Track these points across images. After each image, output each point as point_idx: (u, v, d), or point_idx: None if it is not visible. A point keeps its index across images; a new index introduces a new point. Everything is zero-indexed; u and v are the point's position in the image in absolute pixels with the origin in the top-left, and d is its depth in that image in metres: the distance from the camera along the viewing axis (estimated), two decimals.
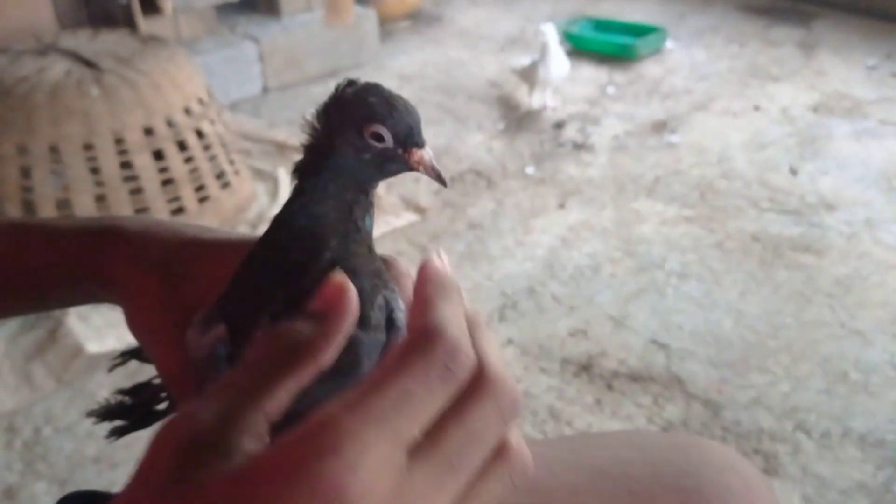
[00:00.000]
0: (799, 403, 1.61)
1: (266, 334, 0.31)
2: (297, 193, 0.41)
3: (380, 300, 0.41)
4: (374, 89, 0.41)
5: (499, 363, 0.31)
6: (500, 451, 0.30)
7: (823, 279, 1.97)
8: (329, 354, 0.31)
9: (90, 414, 0.53)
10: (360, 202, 0.41)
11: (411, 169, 0.40)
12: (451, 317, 0.31)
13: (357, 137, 0.40)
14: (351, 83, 0.42)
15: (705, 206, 2.31)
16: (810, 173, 2.45)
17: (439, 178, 0.41)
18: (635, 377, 1.69)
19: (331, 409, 0.27)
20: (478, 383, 0.30)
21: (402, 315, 0.41)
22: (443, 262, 0.35)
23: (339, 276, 0.33)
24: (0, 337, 1.83)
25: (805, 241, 2.12)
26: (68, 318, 1.82)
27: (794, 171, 2.47)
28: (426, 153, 0.40)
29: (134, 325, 0.48)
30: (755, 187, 2.39)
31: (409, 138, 0.40)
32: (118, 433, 0.53)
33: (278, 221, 0.41)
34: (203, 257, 0.48)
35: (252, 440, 0.28)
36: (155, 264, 0.47)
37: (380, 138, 0.40)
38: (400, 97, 0.41)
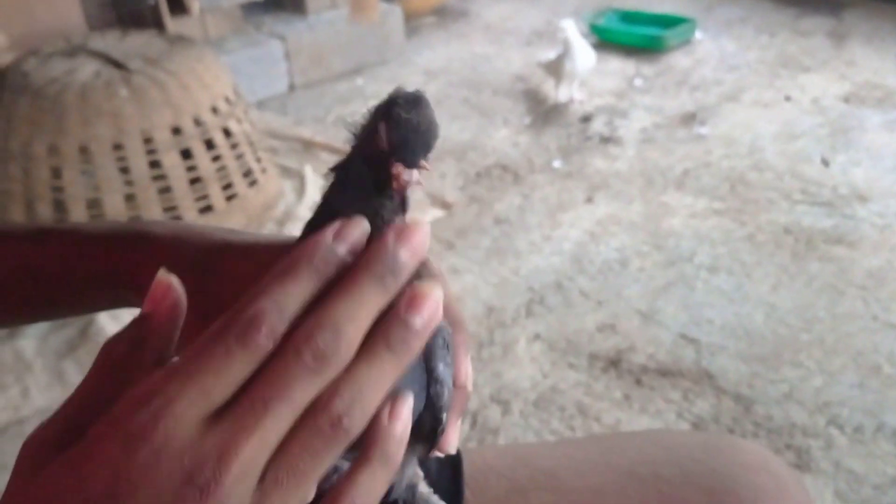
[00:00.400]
0: (832, 398, 1.58)
1: (102, 350, 0.34)
2: (324, 197, 0.41)
3: None
4: (409, 96, 0.40)
5: (315, 315, 0.32)
6: (313, 408, 0.31)
7: (856, 271, 1.94)
8: (155, 345, 0.33)
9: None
10: (385, 204, 0.40)
11: (389, 181, 0.39)
12: (275, 290, 0.32)
13: (369, 132, 0.40)
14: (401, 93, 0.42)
15: (736, 198, 2.28)
16: (842, 164, 2.41)
17: (403, 203, 0.40)
18: (664, 372, 1.68)
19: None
20: (289, 347, 0.31)
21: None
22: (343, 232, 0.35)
23: (163, 274, 0.35)
24: (32, 336, 1.86)
25: (838, 233, 2.09)
26: (99, 317, 1.85)
27: (825, 163, 2.43)
28: (408, 173, 0.39)
29: None
30: (786, 179, 2.36)
31: (400, 151, 0.39)
32: None
33: (311, 226, 0.41)
34: (233, 260, 0.48)
35: None
36: (186, 269, 0.47)
37: (380, 139, 0.39)
38: (427, 115, 0.40)
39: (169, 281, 0.34)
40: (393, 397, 0.34)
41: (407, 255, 0.34)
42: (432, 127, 0.40)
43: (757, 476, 0.58)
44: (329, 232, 0.34)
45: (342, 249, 0.33)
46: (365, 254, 0.34)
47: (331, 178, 0.42)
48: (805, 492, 0.61)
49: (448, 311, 0.41)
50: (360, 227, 0.34)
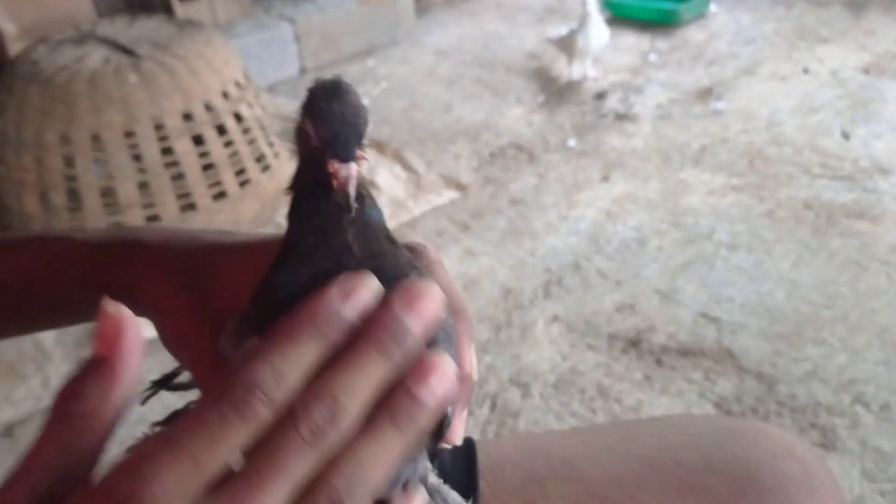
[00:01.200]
0: (856, 375, 1.56)
1: (58, 406, 0.31)
2: (291, 210, 0.39)
3: None
4: (326, 85, 0.37)
5: (314, 386, 0.30)
6: (313, 486, 0.30)
7: (879, 246, 1.91)
8: (112, 411, 0.30)
9: (153, 427, 0.53)
10: (345, 227, 0.37)
11: (328, 178, 0.36)
12: (274, 356, 0.30)
13: (301, 133, 0.38)
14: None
15: (754, 174, 2.25)
16: (863, 137, 2.37)
17: (347, 200, 0.36)
18: (685, 352, 1.66)
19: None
20: (287, 420, 0.30)
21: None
22: (351, 293, 0.32)
23: (108, 305, 0.31)
24: None
25: (859, 208, 2.05)
26: None
27: (846, 136, 2.39)
28: (345, 168, 0.36)
29: (165, 335, 0.47)
30: (806, 153, 2.32)
31: (331, 146, 0.36)
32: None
33: (288, 246, 0.39)
34: (226, 262, 0.47)
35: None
36: (179, 273, 0.46)
37: (308, 136, 0.37)
38: (351, 101, 0.37)
39: (120, 315, 0.31)
40: (406, 490, 0.33)
41: (415, 323, 0.31)
42: (359, 112, 0.37)
43: (782, 462, 0.57)
44: (335, 293, 0.32)
45: (350, 314, 0.31)
46: (369, 319, 0.31)
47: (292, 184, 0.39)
48: (832, 476, 0.59)
49: (450, 299, 0.39)
50: (369, 288, 0.32)
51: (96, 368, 0.31)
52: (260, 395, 0.29)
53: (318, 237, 0.37)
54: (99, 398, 0.30)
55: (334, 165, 0.36)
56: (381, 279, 0.34)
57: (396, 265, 0.37)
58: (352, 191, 0.36)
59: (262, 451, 0.29)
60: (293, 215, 0.39)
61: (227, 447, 0.29)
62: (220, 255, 0.47)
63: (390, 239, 0.39)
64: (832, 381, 1.55)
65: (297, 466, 0.29)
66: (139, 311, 0.48)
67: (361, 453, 0.30)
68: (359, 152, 0.36)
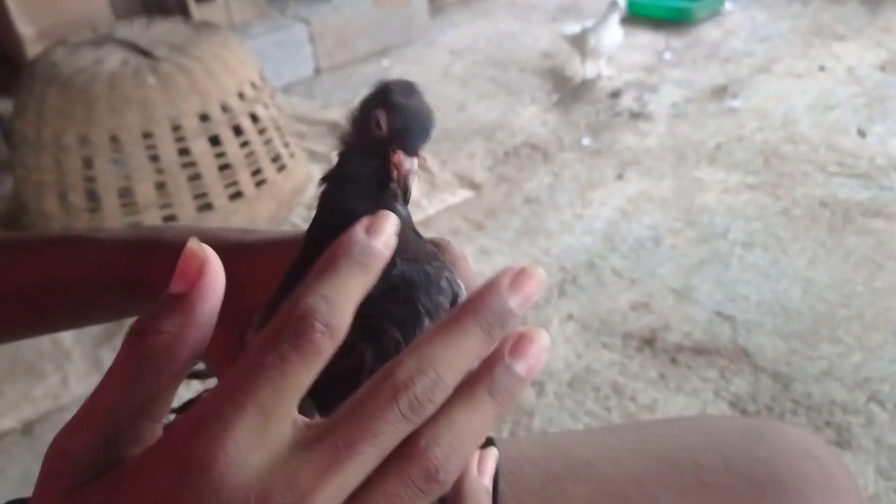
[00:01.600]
0: (872, 374, 1.55)
1: (129, 342, 0.29)
2: (324, 192, 0.41)
3: (444, 283, 0.39)
4: (403, 84, 0.40)
5: (417, 357, 0.29)
6: (406, 454, 0.28)
7: (895, 244, 1.90)
8: (189, 350, 0.29)
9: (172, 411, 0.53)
10: (386, 189, 0.39)
11: (389, 168, 0.38)
12: (320, 287, 0.29)
13: (366, 121, 0.39)
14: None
15: (770, 172, 2.24)
16: (879, 135, 2.36)
17: (405, 192, 0.38)
18: (700, 351, 1.66)
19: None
20: (383, 377, 0.29)
21: (465, 297, 0.40)
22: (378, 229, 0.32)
23: (193, 243, 0.30)
24: None
25: (875, 206, 2.04)
26: None
27: (862, 133, 2.37)
28: (408, 161, 0.38)
29: None
30: (822, 151, 2.31)
31: (401, 138, 0.38)
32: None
33: (315, 223, 0.41)
34: (248, 261, 0.47)
35: (136, 447, 0.28)
36: None
37: (379, 126, 0.38)
38: (424, 103, 0.39)
39: (203, 253, 0.30)
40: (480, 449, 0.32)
41: (518, 305, 0.31)
42: (430, 114, 0.39)
43: (801, 462, 0.57)
44: (360, 227, 0.31)
45: (378, 244, 0.31)
46: (475, 296, 0.31)
47: (330, 173, 0.41)
48: (850, 476, 0.59)
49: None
50: (390, 222, 0.32)
51: (173, 304, 0.29)
52: (318, 325, 0.28)
53: (350, 219, 0.37)
54: (175, 335, 0.29)
55: (399, 157, 0.38)
56: (405, 261, 0.36)
57: (420, 251, 0.39)
58: (412, 184, 0.38)
59: (351, 416, 0.28)
60: (321, 206, 0.40)
61: (293, 391, 0.28)
62: (243, 254, 0.48)
63: (416, 232, 0.40)
64: (847, 379, 1.55)
65: (389, 435, 0.28)
66: None
67: (460, 424, 0.29)
68: (421, 151, 0.39)
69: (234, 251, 0.48)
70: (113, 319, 0.57)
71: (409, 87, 0.39)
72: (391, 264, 0.35)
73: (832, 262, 1.87)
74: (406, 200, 0.39)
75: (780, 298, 1.77)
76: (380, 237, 0.32)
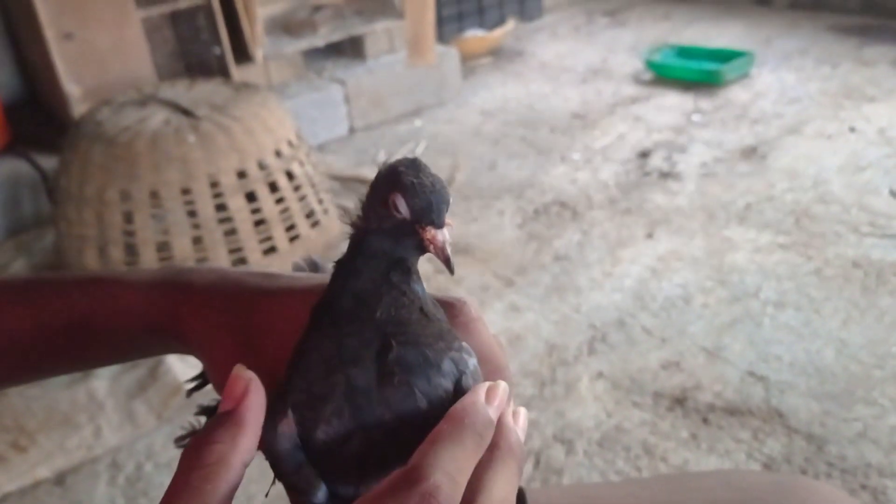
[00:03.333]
0: None
1: (190, 453, 0.33)
2: (335, 275, 0.42)
3: (446, 365, 0.39)
4: (407, 162, 0.40)
5: (433, 463, 0.33)
6: None
7: None
8: (241, 457, 0.33)
9: (178, 441, 0.54)
10: (397, 271, 0.40)
11: (423, 247, 0.39)
12: (445, 460, 0.33)
13: (380, 206, 0.40)
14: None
15: (801, 232, 2.24)
16: None
17: (447, 263, 0.39)
18: (732, 411, 1.64)
19: None
20: (410, 483, 0.33)
21: (470, 378, 0.40)
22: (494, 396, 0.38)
23: (239, 369, 0.36)
24: (104, 376, 1.91)
25: None
26: (168, 357, 1.89)
27: (894, 194, 2.37)
28: (440, 234, 0.39)
29: (213, 376, 0.49)
30: (854, 211, 2.30)
31: (427, 215, 0.39)
32: None
33: (323, 307, 0.41)
34: (270, 306, 0.47)
35: None
36: (224, 320, 0.48)
37: (398, 209, 0.39)
38: (433, 175, 0.40)
39: (248, 377, 0.36)
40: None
41: (494, 413, 0.37)
42: (443, 183, 0.40)
43: None
44: (481, 395, 0.37)
45: (494, 414, 0.37)
46: (463, 412, 0.36)
47: (345, 257, 0.42)
48: None
49: (489, 357, 0.42)
50: (504, 389, 0.38)
51: (225, 420, 0.34)
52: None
53: (355, 302, 0.40)
54: (229, 446, 0.33)
55: (431, 232, 0.39)
56: (399, 345, 0.38)
57: (423, 333, 0.40)
58: (449, 254, 0.39)
59: None
60: (335, 288, 0.42)
61: None
62: (264, 300, 0.48)
63: (423, 310, 0.41)
64: (883, 441, 1.52)
65: None
66: (186, 350, 0.51)
67: None
68: (448, 219, 0.40)
69: (255, 298, 0.48)
70: (137, 359, 0.59)
71: (415, 164, 0.40)
72: (388, 347, 0.38)
73: (866, 323, 1.85)
74: (451, 271, 0.40)
75: (813, 359, 1.75)
76: (496, 406, 0.37)
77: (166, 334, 0.50)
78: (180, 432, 0.48)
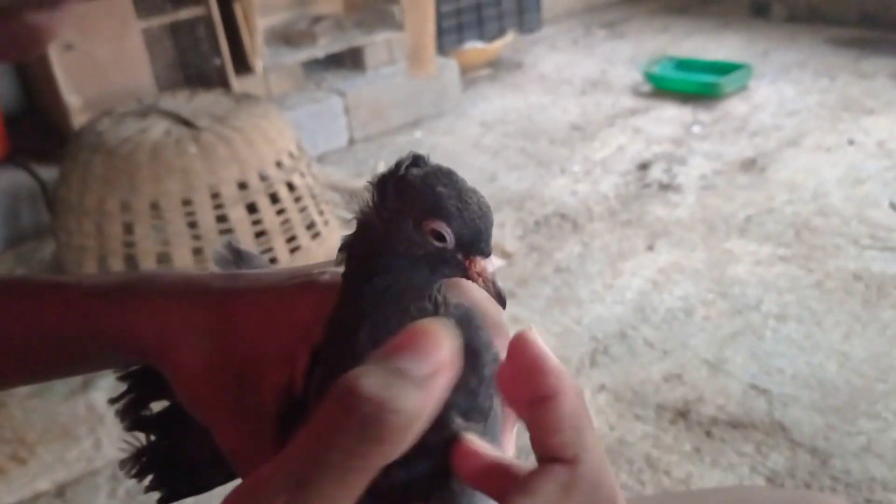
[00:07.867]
0: None
1: (329, 402, 0.25)
2: (349, 300, 0.36)
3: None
4: (446, 177, 0.34)
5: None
6: None
7: None
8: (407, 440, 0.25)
9: (122, 466, 0.49)
10: (422, 306, 0.35)
11: (468, 278, 0.34)
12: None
13: (414, 231, 0.34)
14: (417, 161, 0.36)
15: (801, 244, 2.24)
16: None
17: (499, 297, 0.35)
18: (735, 424, 1.64)
19: None
20: None
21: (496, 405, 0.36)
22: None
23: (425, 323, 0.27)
24: (102, 388, 1.90)
25: None
26: None
27: (894, 207, 2.37)
28: (490, 265, 0.34)
29: (181, 394, 0.44)
30: (854, 224, 2.31)
31: (475, 245, 0.34)
32: (165, 501, 0.50)
33: (338, 338, 0.36)
34: (239, 308, 0.44)
35: None
36: (189, 323, 0.44)
37: (440, 237, 0.33)
38: (475, 192, 0.35)
39: (455, 340, 0.28)
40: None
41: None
42: (486, 201, 0.35)
43: None
44: None
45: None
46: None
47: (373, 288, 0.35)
48: None
49: (487, 314, 0.39)
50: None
51: (420, 383, 0.26)
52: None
53: (374, 346, 0.35)
54: (416, 417, 0.26)
55: (480, 265, 0.34)
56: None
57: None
58: (500, 285, 0.34)
59: None
60: (356, 300, 0.36)
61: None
62: (231, 303, 0.44)
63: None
64: (888, 455, 1.52)
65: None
66: (144, 361, 0.47)
67: None
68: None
69: (221, 299, 0.44)
70: (96, 370, 0.53)
71: (450, 177, 0.34)
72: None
73: (867, 336, 1.85)
74: (503, 305, 0.35)
75: (815, 372, 1.75)
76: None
77: (125, 347, 0.46)
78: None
